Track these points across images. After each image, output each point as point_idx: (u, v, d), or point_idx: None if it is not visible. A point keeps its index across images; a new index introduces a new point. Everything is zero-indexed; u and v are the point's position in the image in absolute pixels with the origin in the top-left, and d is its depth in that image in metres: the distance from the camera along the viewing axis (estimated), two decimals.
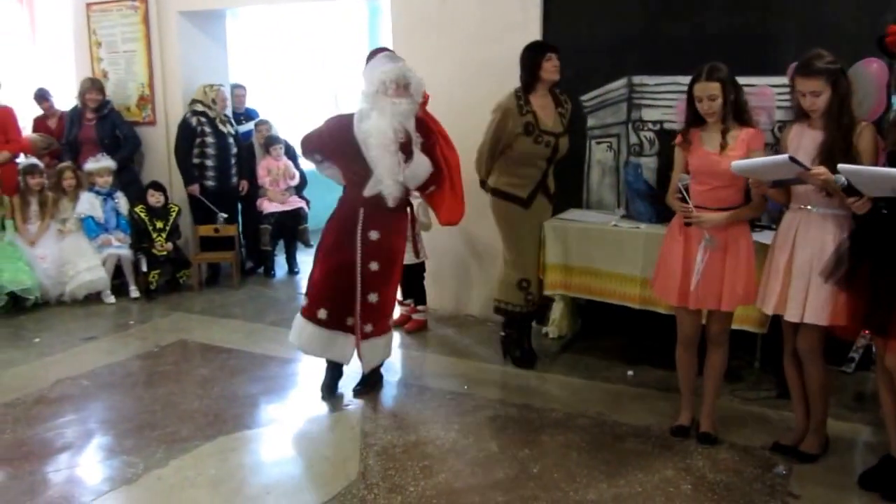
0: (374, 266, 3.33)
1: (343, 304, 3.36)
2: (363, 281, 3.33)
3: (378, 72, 3.21)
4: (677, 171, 2.95)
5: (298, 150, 3.72)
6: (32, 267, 5.05)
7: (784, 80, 3.39)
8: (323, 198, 4.36)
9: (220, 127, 5.50)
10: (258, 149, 6.04)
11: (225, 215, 5.51)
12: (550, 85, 3.67)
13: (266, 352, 4.20)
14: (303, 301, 3.49)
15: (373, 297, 3.37)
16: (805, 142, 2.66)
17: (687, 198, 2.84)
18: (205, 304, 5.19)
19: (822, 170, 2.51)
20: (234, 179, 5.65)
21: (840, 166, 2.40)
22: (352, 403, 3.47)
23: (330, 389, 3.53)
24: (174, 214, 5.48)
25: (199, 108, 5.46)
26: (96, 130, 5.55)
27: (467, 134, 4.26)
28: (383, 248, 3.36)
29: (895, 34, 2.87)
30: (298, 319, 3.47)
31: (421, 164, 3.36)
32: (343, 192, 3.45)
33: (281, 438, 3.19)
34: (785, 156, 2.52)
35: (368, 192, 3.27)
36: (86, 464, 2.96)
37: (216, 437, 3.12)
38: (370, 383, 3.58)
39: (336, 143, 3.31)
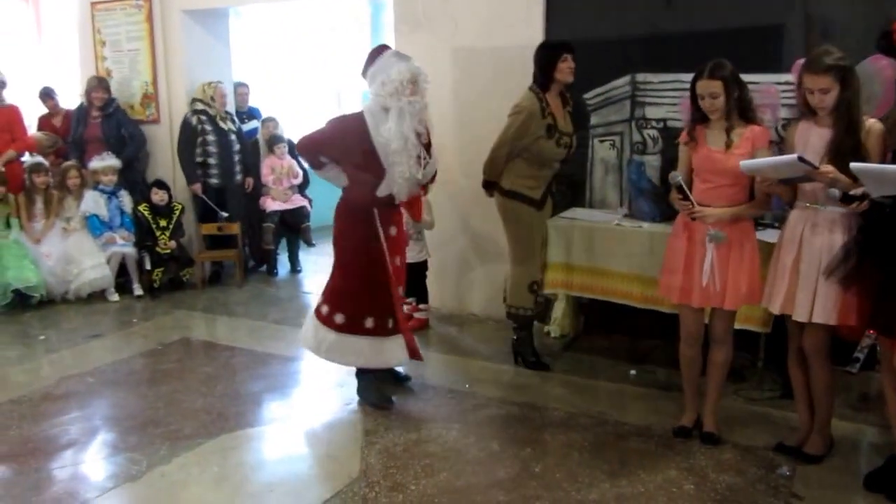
0: (397, 261, 3.37)
1: (384, 306, 3.32)
2: (393, 277, 3.35)
3: (394, 71, 3.13)
4: (682, 169, 2.94)
5: (300, 154, 3.58)
6: (37, 265, 5.07)
7: (788, 77, 3.37)
8: (325, 196, 4.34)
9: (221, 124, 5.51)
10: (263, 146, 6.05)
11: (225, 214, 5.51)
12: (563, 86, 3.65)
13: (269, 350, 4.21)
14: (338, 319, 3.29)
15: (400, 291, 3.45)
16: (812, 140, 2.64)
17: (688, 193, 2.83)
18: (208, 302, 5.21)
19: (829, 168, 2.50)
20: (239, 177, 5.66)
21: (852, 165, 2.39)
22: (353, 402, 3.47)
23: (386, 397, 3.43)
24: (177, 213, 5.50)
25: (200, 106, 5.48)
26: (102, 128, 5.56)
27: (469, 129, 4.27)
28: (400, 242, 3.41)
29: None
30: (337, 337, 3.30)
31: (434, 162, 3.38)
32: (347, 196, 3.35)
33: (283, 436, 3.20)
34: (794, 155, 2.51)
35: (382, 192, 3.23)
36: (90, 460, 2.97)
37: (219, 435, 3.13)
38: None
39: (348, 146, 3.22)
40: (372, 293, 3.29)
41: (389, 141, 3.12)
